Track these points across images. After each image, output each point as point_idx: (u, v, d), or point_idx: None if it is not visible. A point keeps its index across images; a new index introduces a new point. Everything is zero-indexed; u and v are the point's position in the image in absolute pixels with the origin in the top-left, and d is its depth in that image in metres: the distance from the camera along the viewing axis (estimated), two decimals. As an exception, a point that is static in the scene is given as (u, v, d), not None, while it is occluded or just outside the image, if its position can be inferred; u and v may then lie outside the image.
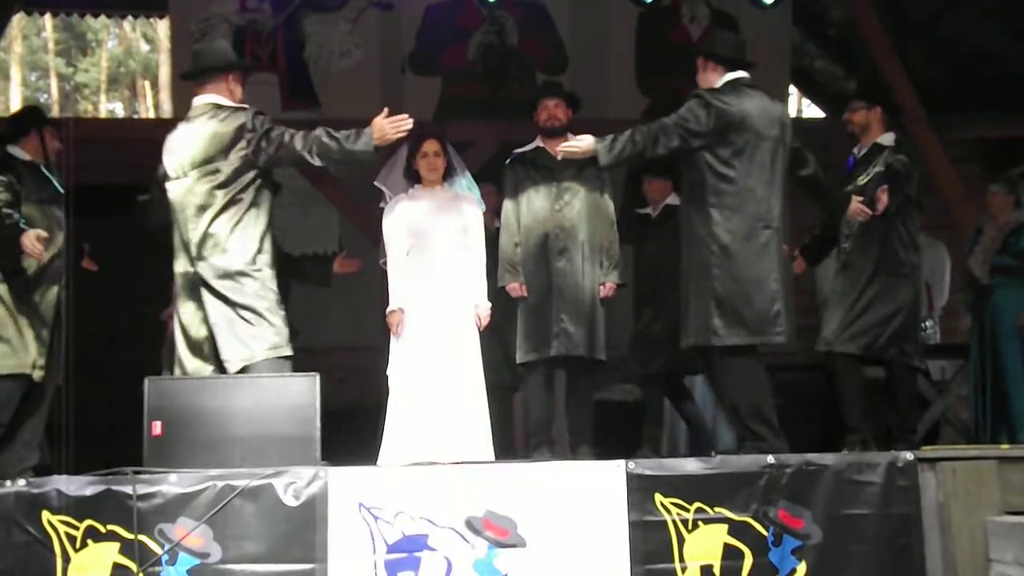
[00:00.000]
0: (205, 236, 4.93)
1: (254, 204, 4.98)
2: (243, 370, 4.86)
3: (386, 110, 4.98)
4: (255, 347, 4.88)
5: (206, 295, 4.93)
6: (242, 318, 4.89)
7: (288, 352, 4.95)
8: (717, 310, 5.04)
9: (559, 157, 5.48)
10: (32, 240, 5.03)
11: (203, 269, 4.93)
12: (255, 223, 4.98)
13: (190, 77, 5.22)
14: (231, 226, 4.93)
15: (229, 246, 4.92)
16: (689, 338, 5.18)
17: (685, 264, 5.25)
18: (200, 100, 5.10)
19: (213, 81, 5.10)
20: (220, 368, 4.91)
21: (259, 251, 4.97)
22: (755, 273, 5.06)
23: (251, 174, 4.97)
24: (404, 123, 4.94)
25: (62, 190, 5.58)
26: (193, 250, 4.95)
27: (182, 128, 5.08)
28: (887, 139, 5.88)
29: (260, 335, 4.90)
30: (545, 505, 4.42)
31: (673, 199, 6.50)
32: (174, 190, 5.03)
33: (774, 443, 4.93)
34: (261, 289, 4.94)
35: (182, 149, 5.02)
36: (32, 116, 5.80)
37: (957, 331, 7.66)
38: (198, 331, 4.97)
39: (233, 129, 4.94)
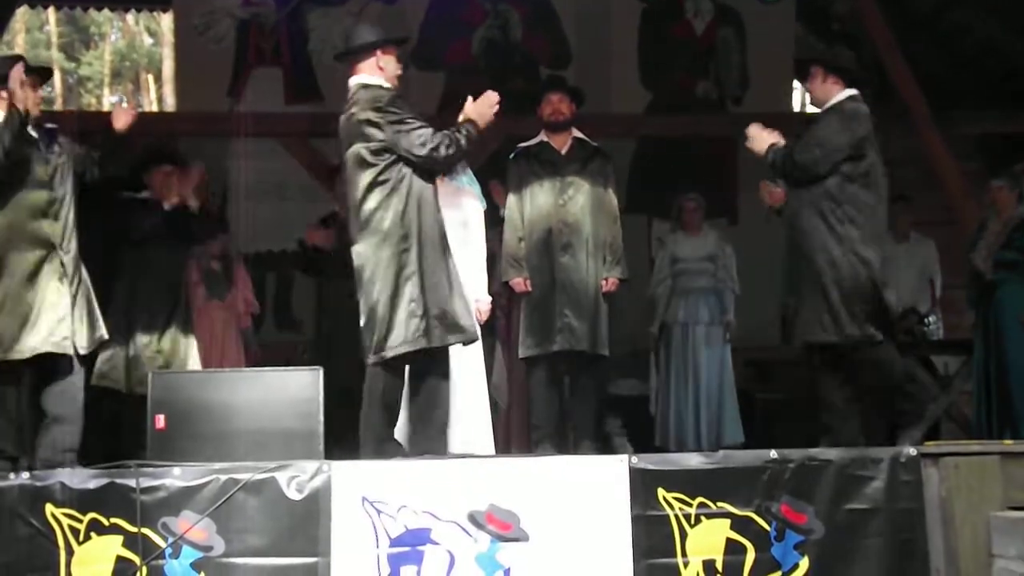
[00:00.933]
0: (358, 218, 4.86)
1: (397, 186, 4.85)
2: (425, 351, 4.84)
3: (468, 97, 5.01)
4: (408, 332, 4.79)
5: (361, 278, 4.87)
6: (382, 302, 4.79)
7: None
8: (844, 309, 5.03)
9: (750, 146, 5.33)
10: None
11: (354, 252, 4.90)
12: (397, 205, 4.83)
13: (339, 59, 5.24)
14: (373, 208, 4.83)
15: (371, 228, 4.83)
16: (825, 334, 5.13)
17: (806, 266, 5.19)
18: (351, 81, 5.05)
19: (361, 60, 5.02)
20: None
21: (404, 235, 4.83)
22: (874, 276, 5.08)
23: (390, 156, 4.85)
24: (494, 97, 5.01)
25: None
26: (353, 232, 4.92)
27: None
28: None
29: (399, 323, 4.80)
30: (548, 499, 4.42)
31: None
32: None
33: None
34: (401, 274, 4.81)
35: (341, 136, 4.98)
36: None
37: (960, 327, 7.65)
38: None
39: (365, 111, 4.87)
